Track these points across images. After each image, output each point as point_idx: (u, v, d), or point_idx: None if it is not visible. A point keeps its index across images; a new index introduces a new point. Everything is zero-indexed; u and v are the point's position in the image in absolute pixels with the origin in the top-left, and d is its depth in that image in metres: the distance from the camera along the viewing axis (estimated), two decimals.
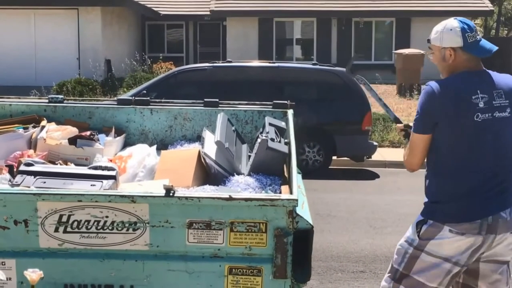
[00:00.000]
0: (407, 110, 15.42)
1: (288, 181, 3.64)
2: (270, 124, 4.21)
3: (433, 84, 3.11)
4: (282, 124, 4.36)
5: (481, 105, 3.04)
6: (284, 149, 3.94)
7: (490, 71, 3.19)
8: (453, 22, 3.14)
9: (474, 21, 32.83)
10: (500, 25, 34.91)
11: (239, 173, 3.89)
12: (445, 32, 3.14)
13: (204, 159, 3.92)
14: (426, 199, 3.25)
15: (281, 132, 4.23)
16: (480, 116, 3.04)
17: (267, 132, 4.03)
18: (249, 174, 3.87)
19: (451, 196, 3.13)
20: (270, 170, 3.87)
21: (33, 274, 2.41)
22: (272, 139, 3.93)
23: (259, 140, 3.93)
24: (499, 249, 3.14)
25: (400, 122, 3.71)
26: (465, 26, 3.12)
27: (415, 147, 3.21)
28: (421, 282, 3.16)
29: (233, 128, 4.36)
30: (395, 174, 11.00)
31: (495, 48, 3.18)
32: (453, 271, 3.13)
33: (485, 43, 3.17)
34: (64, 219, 2.94)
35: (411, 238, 3.22)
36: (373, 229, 7.33)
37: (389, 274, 3.30)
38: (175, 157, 4.08)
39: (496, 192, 3.10)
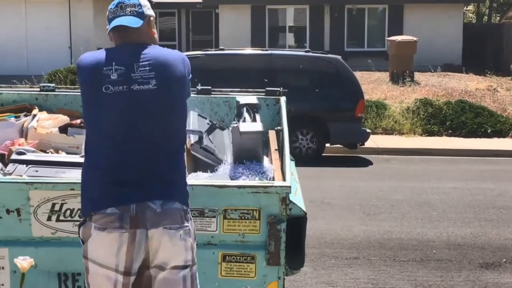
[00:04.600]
0: (399, 97, 15.41)
1: (279, 167, 3.62)
2: (242, 105, 4.16)
3: (82, 56, 2.86)
4: (253, 99, 4.28)
5: (114, 77, 2.69)
6: (258, 127, 3.80)
7: (156, 46, 2.83)
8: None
9: (467, 7, 32.82)
10: (493, 12, 34.88)
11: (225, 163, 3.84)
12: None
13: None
14: None
15: (254, 108, 4.17)
16: (111, 88, 2.68)
17: (238, 117, 3.98)
18: (234, 162, 3.81)
19: (89, 179, 2.67)
20: (254, 152, 3.76)
21: (23, 262, 2.33)
22: (244, 120, 3.87)
23: (230, 128, 3.87)
24: (162, 251, 2.60)
25: None
26: (115, 3, 2.85)
27: None
28: None
29: (207, 121, 4.27)
30: (388, 161, 11.01)
31: (119, 23, 2.79)
32: (120, 280, 2.58)
33: (120, 19, 2.80)
34: (57, 207, 2.93)
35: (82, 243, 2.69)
36: (367, 216, 7.35)
37: None
38: None
39: (142, 176, 2.63)
